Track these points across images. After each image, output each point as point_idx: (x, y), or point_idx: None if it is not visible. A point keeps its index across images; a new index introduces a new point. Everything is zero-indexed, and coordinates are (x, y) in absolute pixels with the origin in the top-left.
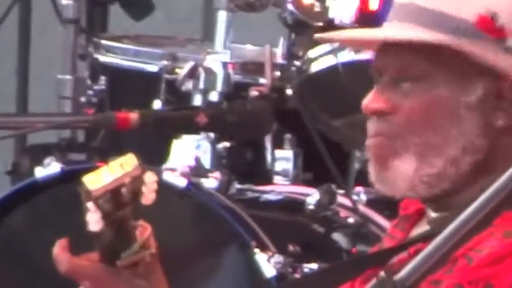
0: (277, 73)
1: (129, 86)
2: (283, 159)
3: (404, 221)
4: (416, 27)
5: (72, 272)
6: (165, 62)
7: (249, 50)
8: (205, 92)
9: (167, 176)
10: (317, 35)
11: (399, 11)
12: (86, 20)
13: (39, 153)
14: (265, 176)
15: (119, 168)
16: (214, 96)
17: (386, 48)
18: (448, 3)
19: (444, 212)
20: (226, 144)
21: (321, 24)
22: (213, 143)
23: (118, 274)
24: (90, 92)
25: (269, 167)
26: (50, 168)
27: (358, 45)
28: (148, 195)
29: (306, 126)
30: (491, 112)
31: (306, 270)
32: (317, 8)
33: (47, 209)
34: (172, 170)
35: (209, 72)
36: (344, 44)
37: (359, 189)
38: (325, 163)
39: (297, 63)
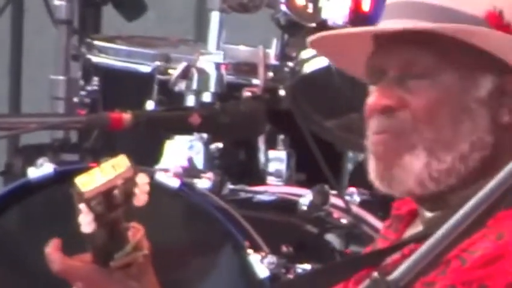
0: (270, 74)
1: (121, 87)
2: (276, 159)
3: (397, 221)
4: (420, 22)
5: (64, 272)
6: (157, 63)
7: (242, 51)
8: (198, 93)
9: (160, 177)
10: (311, 36)
11: (400, 8)
12: (79, 20)
13: (32, 154)
14: (258, 176)
15: (111, 170)
16: (207, 97)
17: (389, 45)
18: (454, 0)
19: (440, 212)
20: (219, 144)
21: (314, 25)
22: (206, 143)
23: (111, 275)
24: (83, 93)
25: (262, 168)
26: (42, 168)
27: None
28: (141, 197)
29: (299, 126)
30: (497, 108)
31: (299, 270)
32: (310, 9)
33: (40, 210)
34: (165, 170)
35: (202, 72)
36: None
37: (352, 190)
38: (318, 164)
39: (290, 64)
